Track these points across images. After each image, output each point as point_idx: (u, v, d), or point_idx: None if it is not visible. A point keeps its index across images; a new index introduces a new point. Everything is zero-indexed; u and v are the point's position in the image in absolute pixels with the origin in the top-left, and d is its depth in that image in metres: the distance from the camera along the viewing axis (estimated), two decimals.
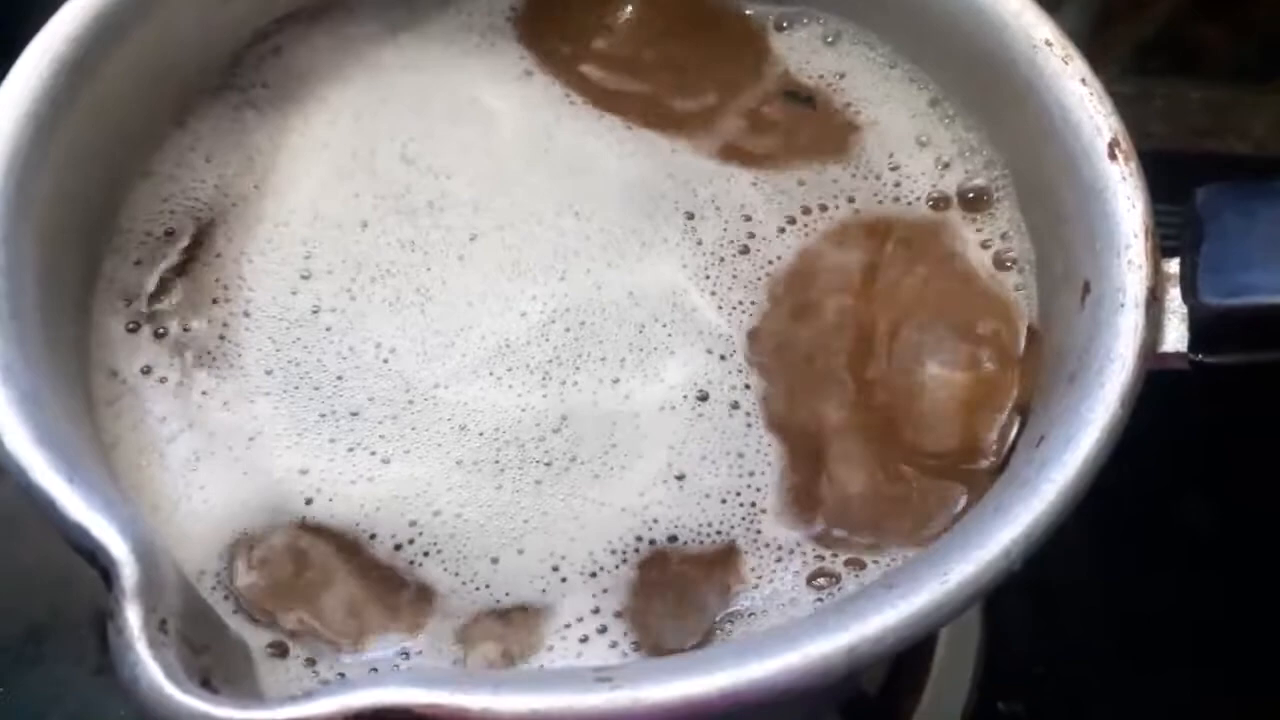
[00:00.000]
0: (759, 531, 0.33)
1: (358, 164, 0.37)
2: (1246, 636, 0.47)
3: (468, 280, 0.35)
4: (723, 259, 0.36)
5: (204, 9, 0.37)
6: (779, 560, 0.32)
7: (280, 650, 0.31)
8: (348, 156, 0.37)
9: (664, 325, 0.35)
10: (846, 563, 0.32)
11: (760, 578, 0.32)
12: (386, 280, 0.35)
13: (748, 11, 0.40)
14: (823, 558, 0.32)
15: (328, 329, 0.35)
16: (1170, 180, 0.34)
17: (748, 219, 0.37)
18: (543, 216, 0.36)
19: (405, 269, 0.36)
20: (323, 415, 0.34)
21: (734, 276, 0.36)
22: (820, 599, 0.32)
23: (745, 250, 0.36)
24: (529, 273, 0.36)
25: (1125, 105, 0.35)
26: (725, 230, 0.36)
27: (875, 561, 0.32)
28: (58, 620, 0.45)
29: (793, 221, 0.37)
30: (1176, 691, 0.46)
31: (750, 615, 0.32)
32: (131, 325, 0.35)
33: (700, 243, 0.36)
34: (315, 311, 0.35)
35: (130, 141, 0.36)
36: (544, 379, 0.34)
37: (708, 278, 0.36)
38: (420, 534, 0.32)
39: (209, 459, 0.33)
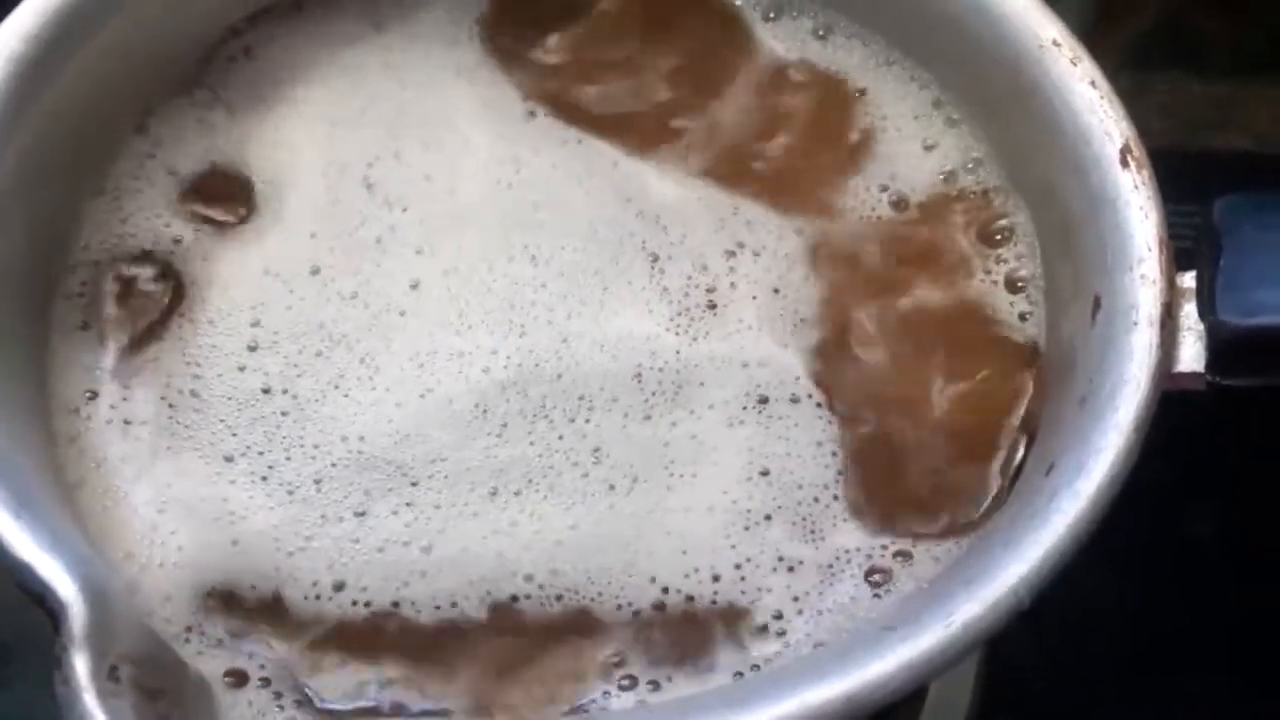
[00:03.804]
0: (835, 524, 0.32)
1: (325, 186, 0.35)
2: (1254, 655, 0.46)
3: (412, 338, 0.33)
4: (690, 307, 0.34)
5: (170, 5, 0.35)
6: (846, 560, 0.31)
7: (239, 679, 0.30)
8: (317, 174, 0.35)
9: (660, 371, 0.33)
10: (895, 554, 0.31)
11: (823, 579, 0.31)
12: (332, 353, 0.33)
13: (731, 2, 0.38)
14: (870, 555, 0.31)
15: (283, 414, 0.33)
16: (1172, 178, 0.33)
17: (731, 254, 0.35)
18: (493, 262, 0.34)
19: (347, 332, 0.33)
20: (324, 518, 0.32)
21: (711, 313, 0.34)
22: (878, 595, 0.31)
23: (712, 293, 0.34)
24: (480, 325, 0.34)
25: (1125, 99, 0.34)
26: (691, 278, 0.34)
27: (915, 549, 0.31)
28: (24, 641, 0.44)
29: (798, 235, 0.35)
30: (1181, 709, 0.45)
31: (818, 614, 0.31)
32: (87, 361, 0.33)
33: (666, 289, 0.34)
34: (266, 391, 0.33)
35: (89, 150, 0.35)
36: (550, 424, 0.32)
37: (675, 323, 0.34)
38: (529, 598, 0.31)
39: (177, 507, 0.32)
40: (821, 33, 0.38)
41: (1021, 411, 0.33)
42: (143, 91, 0.36)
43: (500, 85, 0.37)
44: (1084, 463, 0.29)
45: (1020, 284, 0.34)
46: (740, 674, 0.30)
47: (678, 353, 0.33)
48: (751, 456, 0.32)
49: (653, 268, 0.34)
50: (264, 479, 0.32)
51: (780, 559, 0.31)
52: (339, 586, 0.31)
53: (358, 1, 0.38)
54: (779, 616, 0.31)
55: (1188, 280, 0.31)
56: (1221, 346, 0.30)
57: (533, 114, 0.36)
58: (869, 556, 0.31)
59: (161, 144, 0.36)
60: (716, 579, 0.31)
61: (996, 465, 0.32)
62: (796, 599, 0.31)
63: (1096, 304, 0.31)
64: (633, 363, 0.33)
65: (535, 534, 0.31)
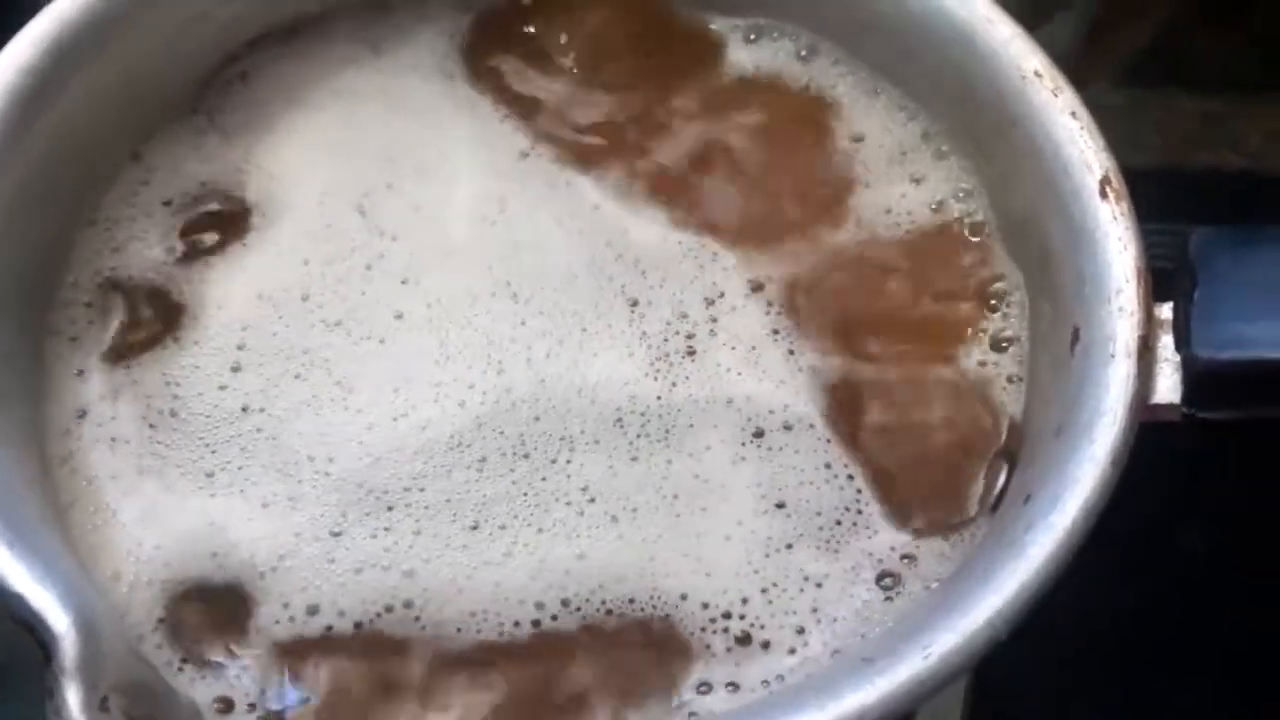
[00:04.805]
0: (857, 535, 0.32)
1: (319, 212, 0.36)
2: (1247, 673, 0.45)
3: (390, 364, 0.34)
4: (669, 352, 0.34)
5: (170, 34, 0.36)
6: (861, 565, 0.32)
7: (226, 706, 0.30)
8: (313, 201, 0.36)
9: (641, 415, 0.33)
10: (902, 557, 0.32)
11: (843, 588, 0.31)
12: (309, 375, 0.33)
13: (711, 26, 0.38)
14: (881, 560, 0.32)
15: (259, 430, 0.33)
16: (1164, 196, 0.34)
17: (710, 301, 0.35)
18: (476, 297, 0.34)
19: (329, 357, 0.34)
20: (298, 534, 0.32)
21: (690, 359, 0.34)
22: (889, 598, 0.31)
23: (691, 339, 0.34)
24: (459, 358, 0.34)
25: (1118, 117, 0.34)
26: (670, 324, 0.34)
27: (918, 547, 0.32)
28: (17, 660, 0.44)
29: (779, 278, 0.35)
30: None
31: (834, 621, 0.31)
32: (77, 382, 0.34)
33: (645, 334, 0.34)
34: (244, 410, 0.33)
35: (84, 179, 0.35)
36: (531, 464, 0.32)
37: (655, 368, 0.34)
38: (556, 617, 0.31)
39: (161, 523, 0.32)
40: (804, 53, 0.38)
41: (1002, 440, 0.33)
42: (139, 119, 0.36)
43: (494, 120, 0.37)
44: (1060, 495, 0.29)
45: (1006, 334, 0.34)
46: (766, 682, 0.30)
47: (658, 398, 0.33)
48: (763, 490, 0.32)
49: (632, 312, 0.34)
50: (242, 493, 0.32)
51: (806, 578, 0.31)
52: (313, 610, 0.31)
53: (352, 24, 0.38)
54: (801, 631, 0.31)
55: (1166, 312, 0.32)
56: (1196, 380, 0.31)
57: (525, 154, 0.36)
58: (880, 561, 0.32)
59: (155, 171, 0.36)
60: (745, 601, 0.31)
61: (978, 489, 0.33)
62: (816, 610, 0.31)
63: (1075, 335, 0.31)
64: (612, 407, 0.33)
65: (539, 564, 0.31)
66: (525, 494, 0.32)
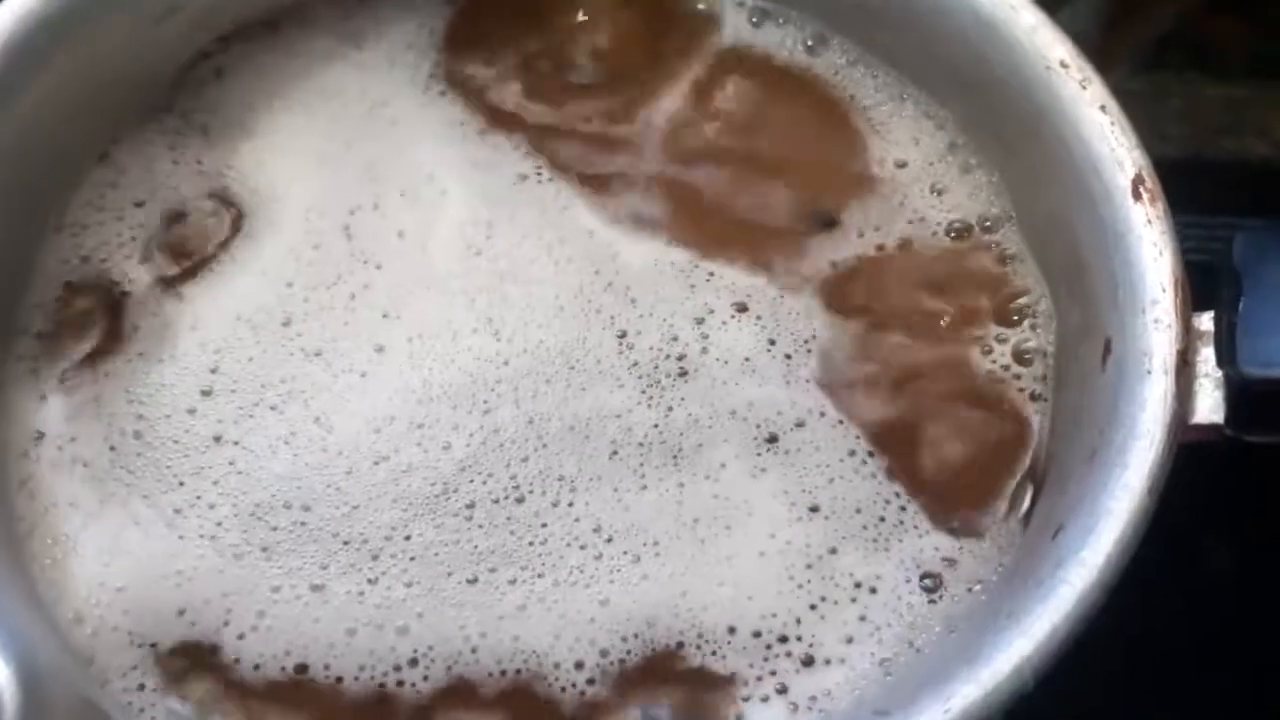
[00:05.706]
0: (903, 530, 0.31)
1: (306, 230, 0.34)
2: (1269, 686, 0.43)
3: (372, 403, 0.32)
4: (660, 378, 0.32)
5: (135, 29, 0.34)
6: (908, 567, 0.30)
7: None
8: (300, 216, 0.34)
9: (639, 445, 0.31)
10: (943, 559, 0.30)
11: (892, 590, 0.30)
12: (285, 407, 0.32)
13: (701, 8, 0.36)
14: (921, 563, 0.30)
15: (231, 464, 0.31)
16: (1189, 186, 0.32)
17: (700, 320, 0.33)
18: (457, 333, 0.33)
19: (305, 389, 0.32)
20: (276, 589, 0.30)
21: (682, 380, 0.32)
22: (933, 600, 0.30)
23: (682, 360, 0.32)
24: (442, 398, 0.32)
25: (1140, 104, 0.32)
26: (659, 349, 0.33)
27: (961, 548, 0.30)
28: None
29: (780, 294, 0.33)
30: None
31: (877, 628, 0.30)
32: (35, 402, 0.32)
33: (636, 364, 0.32)
34: (217, 440, 0.31)
35: (49, 182, 0.33)
36: (529, 510, 0.31)
37: (646, 395, 0.32)
38: (593, 678, 0.29)
39: (124, 561, 0.30)
40: (810, 42, 0.36)
41: (1028, 444, 0.31)
42: (107, 118, 0.35)
43: (479, 135, 0.35)
44: (1093, 527, 0.27)
45: (1030, 345, 0.33)
46: (814, 699, 0.29)
47: (655, 426, 0.32)
48: (791, 497, 0.31)
49: (620, 343, 0.33)
50: (213, 539, 0.30)
51: (858, 585, 0.30)
52: (301, 669, 0.30)
53: (331, 15, 0.36)
54: (850, 641, 0.30)
55: (1205, 322, 0.30)
56: (1240, 398, 0.29)
57: (524, 177, 0.35)
58: (919, 564, 0.30)
59: (125, 172, 0.34)
60: (799, 621, 0.30)
61: (1006, 478, 0.31)
62: (864, 618, 0.30)
63: (1107, 348, 0.30)
64: (606, 440, 0.31)
65: (559, 618, 0.30)
66: (531, 544, 0.30)
